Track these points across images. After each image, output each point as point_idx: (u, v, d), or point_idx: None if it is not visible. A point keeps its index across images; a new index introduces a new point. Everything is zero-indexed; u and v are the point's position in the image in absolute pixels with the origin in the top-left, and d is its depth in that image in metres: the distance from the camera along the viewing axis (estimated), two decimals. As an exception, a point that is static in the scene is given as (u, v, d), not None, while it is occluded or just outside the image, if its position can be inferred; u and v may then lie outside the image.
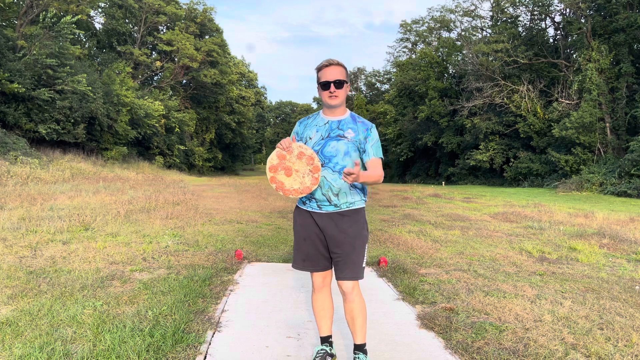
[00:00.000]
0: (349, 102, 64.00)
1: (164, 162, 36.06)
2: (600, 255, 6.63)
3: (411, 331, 3.53)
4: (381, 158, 2.79)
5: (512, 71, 33.73)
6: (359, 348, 2.88)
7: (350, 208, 2.78)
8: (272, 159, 2.72)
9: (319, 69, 2.77)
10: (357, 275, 2.80)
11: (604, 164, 25.95)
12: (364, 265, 2.82)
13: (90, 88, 23.57)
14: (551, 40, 36.94)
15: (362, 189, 2.83)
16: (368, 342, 3.24)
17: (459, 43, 44.17)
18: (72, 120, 23.52)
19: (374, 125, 2.83)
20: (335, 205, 2.75)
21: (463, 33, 44.52)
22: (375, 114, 51.42)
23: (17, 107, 21.21)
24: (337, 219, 2.75)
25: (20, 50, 21.96)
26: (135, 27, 40.97)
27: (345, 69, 2.77)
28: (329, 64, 2.73)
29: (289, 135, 2.88)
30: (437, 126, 41.39)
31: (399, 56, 53.98)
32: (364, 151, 2.75)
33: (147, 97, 34.39)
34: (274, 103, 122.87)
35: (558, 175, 28.85)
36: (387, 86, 59.28)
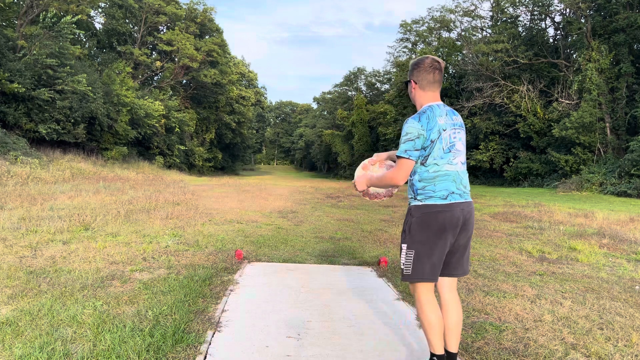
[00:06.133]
0: (349, 102, 64.03)
1: (164, 162, 36.05)
2: (600, 255, 6.63)
3: (411, 331, 3.53)
4: (400, 158, 2.59)
5: (512, 71, 33.72)
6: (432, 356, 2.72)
7: (409, 206, 2.74)
8: (358, 169, 3.12)
9: None
10: (401, 275, 2.72)
11: (604, 164, 25.95)
12: (401, 266, 2.67)
13: (90, 88, 23.56)
14: (551, 40, 36.94)
15: (412, 187, 2.69)
16: (368, 342, 3.24)
17: (459, 43, 44.15)
18: (72, 120, 23.52)
19: (410, 118, 2.63)
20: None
21: (463, 33, 44.51)
22: (375, 114, 51.41)
23: (17, 107, 21.21)
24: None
25: (21, 50, 21.96)
26: (135, 27, 40.96)
27: (410, 66, 2.76)
28: None
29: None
30: (437, 126, 41.32)
31: (399, 56, 53.93)
32: None
33: (147, 97, 34.40)
34: (274, 103, 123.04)
35: (558, 175, 28.85)
36: (387, 86, 59.22)
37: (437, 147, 2.58)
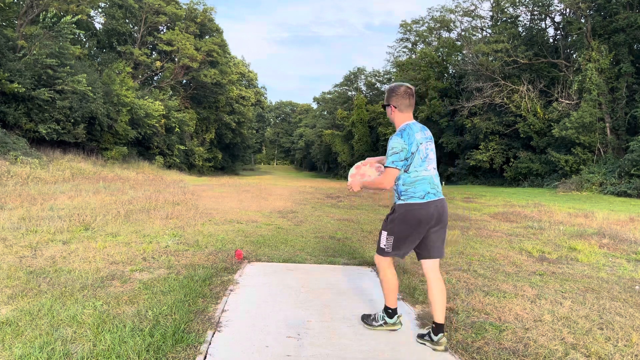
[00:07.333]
0: (349, 102, 64.03)
1: (164, 162, 36.03)
2: (600, 255, 6.63)
3: (411, 331, 3.53)
4: (388, 167, 3.22)
5: (512, 71, 33.72)
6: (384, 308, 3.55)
7: (394, 204, 3.40)
8: (352, 169, 3.74)
9: None
10: (376, 250, 3.47)
11: (604, 164, 25.95)
12: (381, 246, 3.39)
13: (90, 88, 23.55)
14: (551, 40, 36.94)
15: (397, 190, 3.32)
16: (368, 342, 3.28)
17: (459, 43, 44.18)
18: (72, 120, 23.51)
19: (394, 135, 3.27)
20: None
21: (463, 33, 44.54)
22: (375, 114, 51.41)
23: (17, 107, 21.21)
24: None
25: (21, 50, 21.96)
26: (135, 27, 40.96)
27: (386, 92, 3.43)
28: None
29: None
30: (437, 126, 41.38)
31: (399, 56, 54.00)
32: None
33: (147, 97, 34.38)
34: (274, 103, 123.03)
35: (558, 175, 28.85)
36: (387, 86, 59.20)
37: (417, 158, 3.23)
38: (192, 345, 3.08)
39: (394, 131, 3.39)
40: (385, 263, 3.42)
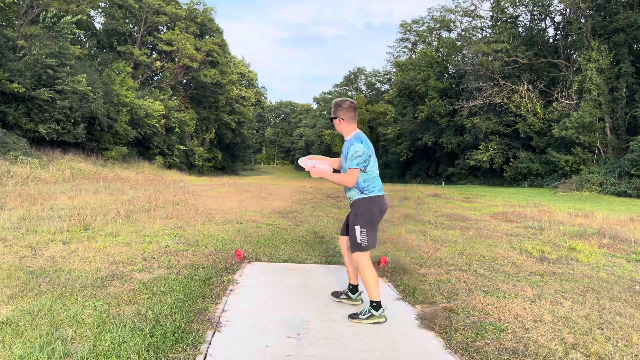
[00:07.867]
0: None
1: (164, 162, 36.01)
2: (600, 255, 6.63)
3: (411, 331, 3.53)
4: (352, 168, 3.69)
5: (512, 71, 33.71)
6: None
7: (351, 200, 3.85)
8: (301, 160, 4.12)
9: None
10: (353, 248, 3.80)
11: (603, 164, 25.94)
12: (358, 241, 3.74)
13: (90, 88, 23.53)
14: (551, 40, 36.93)
15: (358, 187, 3.78)
16: (368, 342, 3.28)
17: (459, 43, 44.18)
18: (72, 120, 23.50)
19: (354, 141, 3.74)
20: (348, 199, 3.92)
21: (463, 33, 44.53)
22: (375, 114, 51.43)
23: (17, 107, 21.20)
24: (351, 207, 3.89)
25: (21, 50, 21.96)
26: (135, 27, 40.95)
27: (333, 106, 3.94)
28: None
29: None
30: (437, 126, 41.39)
31: (399, 56, 54.01)
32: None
33: (147, 97, 34.35)
34: (274, 103, 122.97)
35: (558, 175, 28.83)
36: (387, 86, 59.27)
37: (372, 159, 3.79)
38: (192, 345, 3.08)
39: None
40: (366, 259, 3.74)
